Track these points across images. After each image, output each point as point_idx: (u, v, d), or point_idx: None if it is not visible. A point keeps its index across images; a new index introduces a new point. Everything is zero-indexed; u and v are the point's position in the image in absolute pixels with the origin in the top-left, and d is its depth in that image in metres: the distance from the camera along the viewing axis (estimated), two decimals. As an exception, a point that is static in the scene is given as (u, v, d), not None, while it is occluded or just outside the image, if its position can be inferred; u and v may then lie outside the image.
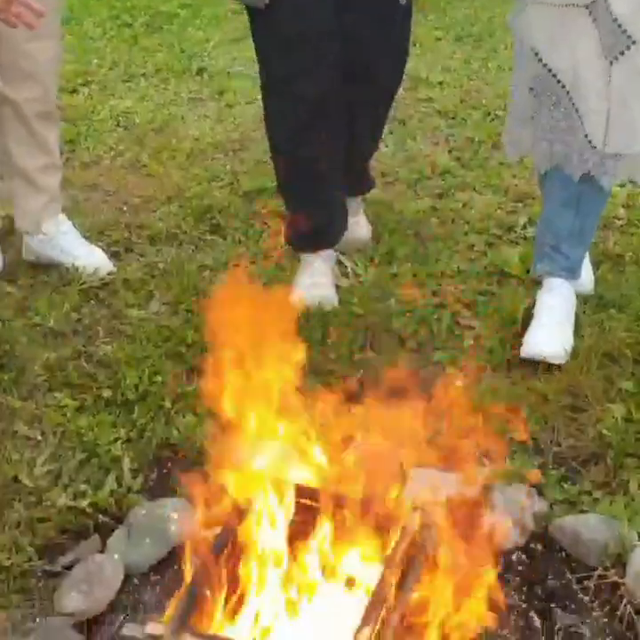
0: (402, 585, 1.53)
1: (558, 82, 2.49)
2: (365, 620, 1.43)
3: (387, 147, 3.95)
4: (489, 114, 4.12)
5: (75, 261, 3.07)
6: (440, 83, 4.43)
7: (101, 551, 2.10)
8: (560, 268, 2.72)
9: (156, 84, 4.63)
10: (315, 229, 2.91)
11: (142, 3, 5.60)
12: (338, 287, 3.02)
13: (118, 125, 4.21)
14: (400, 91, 4.23)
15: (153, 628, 1.44)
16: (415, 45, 4.84)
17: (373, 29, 2.78)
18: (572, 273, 2.74)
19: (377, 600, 1.47)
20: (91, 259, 3.10)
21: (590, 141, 2.49)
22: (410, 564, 1.56)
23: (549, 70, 2.50)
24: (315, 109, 2.76)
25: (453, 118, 4.13)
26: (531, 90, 2.57)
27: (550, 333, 2.62)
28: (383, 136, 3.96)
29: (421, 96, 4.32)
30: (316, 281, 2.97)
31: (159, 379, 2.60)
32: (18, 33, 2.47)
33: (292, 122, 2.80)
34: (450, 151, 3.87)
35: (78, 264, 3.07)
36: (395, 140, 3.98)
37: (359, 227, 3.29)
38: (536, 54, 2.51)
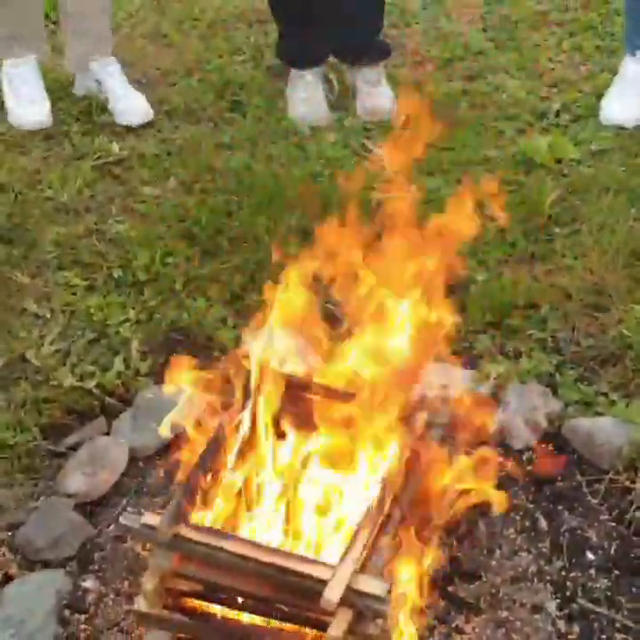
0: (405, 485, 1.50)
1: None
2: (364, 522, 1.40)
3: (418, 24, 3.76)
4: (528, -10, 3.89)
5: (118, 103, 3.12)
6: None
7: (107, 433, 2.09)
8: None
9: (180, -51, 4.41)
10: (304, 44, 3.14)
11: None
12: (329, 102, 3.22)
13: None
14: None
15: (149, 518, 1.42)
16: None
17: None
18: None
19: (380, 497, 1.43)
20: (133, 103, 3.13)
21: None
22: (412, 464, 1.52)
23: None
24: None
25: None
26: None
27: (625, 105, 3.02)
28: (416, 11, 3.81)
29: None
30: (308, 96, 3.19)
31: (171, 260, 2.54)
32: None
33: None
34: (484, 30, 3.68)
35: (121, 106, 3.11)
36: (427, 17, 3.79)
37: (381, 96, 3.21)
38: None
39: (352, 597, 1.31)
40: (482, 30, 3.68)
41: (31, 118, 3.03)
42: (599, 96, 3.17)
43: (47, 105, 3.06)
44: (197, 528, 1.42)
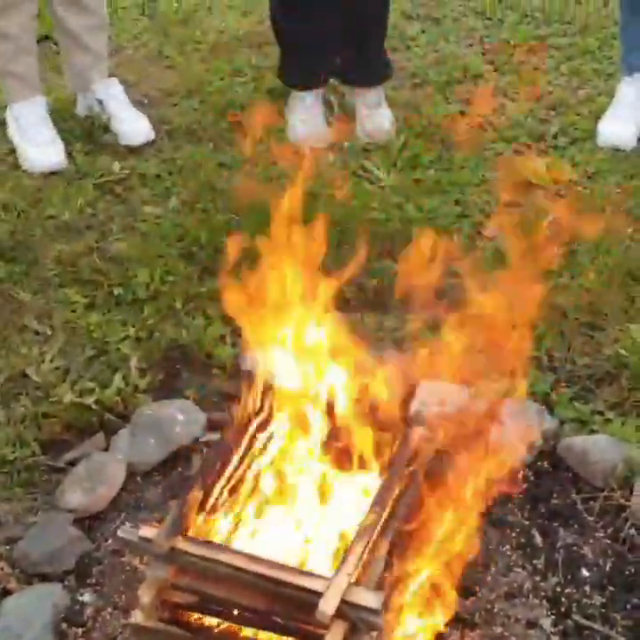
0: (400, 497, 1.51)
1: None
2: (359, 535, 1.41)
3: (418, 47, 3.80)
4: (526, 16, 3.94)
5: (120, 124, 3.15)
6: (478, -20, 4.23)
7: (106, 449, 2.10)
8: None
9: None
10: (305, 67, 3.15)
11: None
12: (329, 123, 3.24)
13: (143, 14, 4.08)
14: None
15: (146, 531, 1.43)
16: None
17: None
18: None
19: (376, 507, 1.44)
20: (135, 124, 3.16)
21: None
22: (410, 477, 1.53)
23: None
24: None
25: (490, 19, 3.95)
26: None
27: (622, 127, 3.08)
28: (416, 35, 3.85)
29: (458, -6, 4.13)
30: (307, 117, 3.22)
31: (171, 278, 2.57)
32: None
33: None
34: (483, 54, 3.72)
35: (123, 127, 3.14)
36: (426, 41, 3.83)
37: (382, 118, 3.24)
38: None
39: (346, 610, 1.32)
40: (481, 54, 3.73)
41: (46, 162, 2.99)
42: (597, 119, 3.20)
43: (61, 146, 3.03)
44: (194, 540, 1.43)
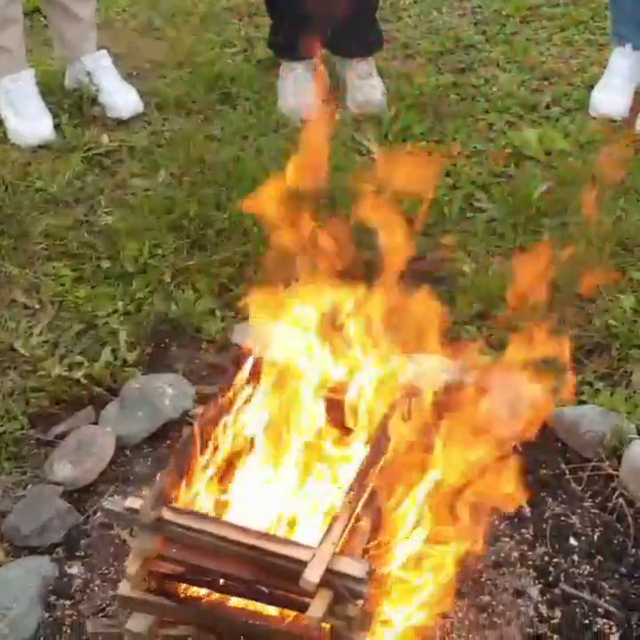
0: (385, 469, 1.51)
1: None
2: (344, 504, 1.41)
3: (410, 17, 3.77)
4: (519, -15, 3.90)
5: (108, 96, 3.13)
6: (471, -51, 4.19)
7: (95, 423, 2.09)
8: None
9: None
10: (296, 37, 3.00)
11: None
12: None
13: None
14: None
15: (132, 501, 1.43)
16: None
17: None
18: None
19: (360, 479, 1.44)
20: (124, 96, 3.14)
21: None
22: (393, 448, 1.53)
23: None
24: None
25: (483, 0, 3.92)
26: None
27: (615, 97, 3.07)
28: (408, 5, 3.81)
29: (450, -36, 4.09)
30: (299, 88, 3.18)
31: (160, 252, 2.55)
32: None
33: None
34: (475, 24, 3.69)
35: (112, 100, 3.12)
36: (418, 11, 3.80)
37: (373, 89, 3.22)
38: None
39: (332, 578, 1.32)
40: (473, 24, 3.70)
41: (36, 135, 2.98)
42: (589, 89, 3.18)
43: (49, 120, 3.01)
44: (180, 511, 1.43)
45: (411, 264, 2.25)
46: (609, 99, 3.07)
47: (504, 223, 2.66)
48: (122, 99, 3.12)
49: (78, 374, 2.18)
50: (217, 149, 2.98)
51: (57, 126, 3.04)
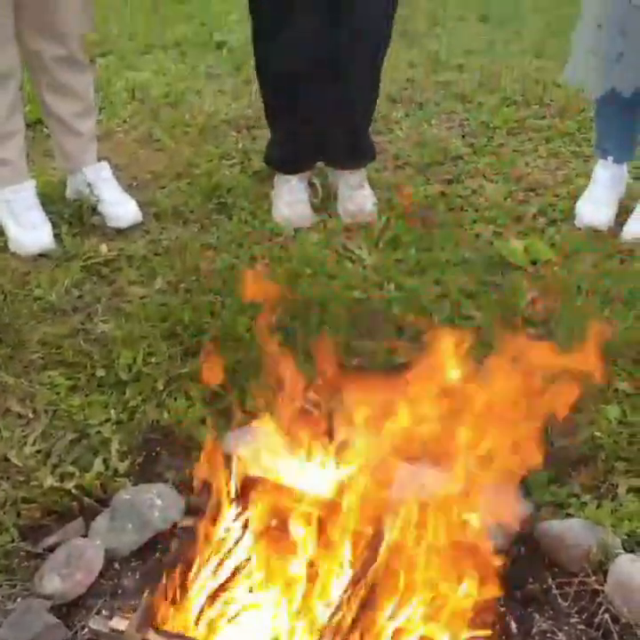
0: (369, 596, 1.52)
1: None
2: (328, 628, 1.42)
3: (401, 130, 3.91)
4: (507, 99, 4.06)
5: (108, 207, 3.22)
6: (460, 65, 4.37)
7: (85, 534, 2.10)
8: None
9: (175, 57, 4.60)
10: (293, 151, 3.29)
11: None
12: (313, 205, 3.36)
13: (133, 98, 4.19)
14: (419, 73, 4.21)
15: (117, 622, 1.44)
16: (437, 25, 4.80)
17: None
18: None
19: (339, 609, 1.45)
20: (123, 207, 3.24)
21: None
22: (380, 572, 1.55)
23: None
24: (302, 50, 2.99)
25: (470, 102, 4.07)
26: (599, 26, 2.90)
27: (599, 208, 3.18)
28: (399, 118, 3.95)
29: (440, 79, 4.26)
30: (292, 199, 3.31)
31: (153, 359, 2.60)
32: None
33: (280, 48, 3.02)
34: (463, 136, 3.82)
35: (111, 210, 3.22)
36: (409, 124, 3.94)
37: (364, 199, 3.31)
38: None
39: None
40: (461, 136, 3.83)
41: (36, 244, 3.05)
42: (575, 200, 3.28)
43: (49, 228, 3.10)
44: (165, 633, 1.44)
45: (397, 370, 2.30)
46: (593, 210, 3.16)
47: (491, 332, 2.71)
48: (121, 209, 3.21)
49: (70, 485, 2.20)
50: (212, 258, 3.06)
51: (57, 235, 3.12)
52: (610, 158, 3.19)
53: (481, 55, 4.50)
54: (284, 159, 3.35)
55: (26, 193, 3.10)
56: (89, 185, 3.22)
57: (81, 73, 3.11)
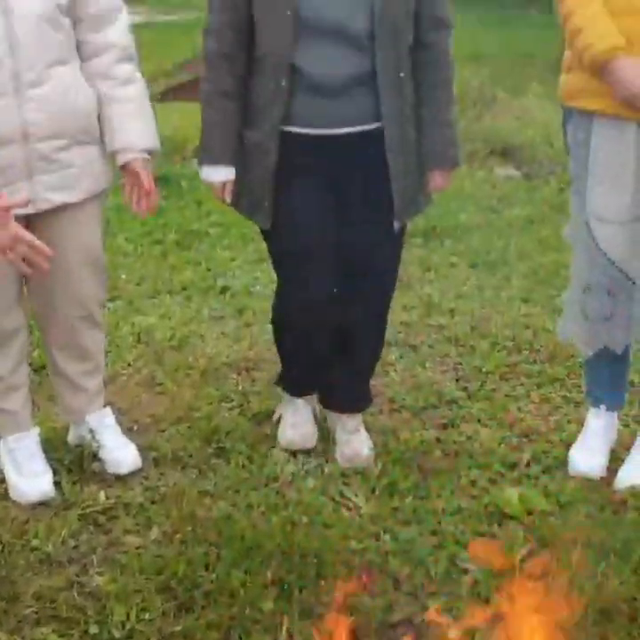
0: None
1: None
2: None
3: (396, 372, 4.03)
4: (498, 343, 4.21)
5: (109, 453, 3.26)
6: (452, 310, 4.56)
7: None
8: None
9: (180, 302, 4.81)
10: (303, 381, 3.49)
11: (175, 220, 5.90)
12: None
13: (139, 341, 4.35)
14: (413, 316, 4.40)
15: None
16: (430, 271, 5.06)
17: (365, 246, 3.13)
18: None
19: None
20: (123, 453, 3.28)
21: None
22: None
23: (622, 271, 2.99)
24: (314, 313, 3.20)
25: (463, 346, 4.22)
26: (587, 289, 3.07)
27: (592, 456, 3.24)
28: (394, 361, 4.09)
29: (433, 322, 4.44)
30: (297, 420, 3.44)
31: (147, 616, 2.58)
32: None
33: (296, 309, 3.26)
34: (457, 380, 3.94)
35: (112, 456, 3.26)
36: (404, 366, 4.07)
37: (360, 444, 3.38)
38: (612, 262, 2.98)
39: None
40: (455, 380, 3.95)
41: (36, 491, 3.08)
42: (568, 446, 3.34)
43: (50, 476, 3.14)
44: None
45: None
46: (586, 459, 3.22)
47: (488, 585, 2.70)
48: (121, 455, 3.27)
49: None
50: (209, 505, 3.09)
51: (57, 483, 3.17)
52: (602, 406, 3.28)
53: (472, 300, 4.70)
54: (290, 381, 3.50)
55: (29, 441, 3.17)
56: (91, 431, 3.30)
57: (96, 332, 3.22)
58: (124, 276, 5.03)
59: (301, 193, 3.04)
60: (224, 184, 3.11)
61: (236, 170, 3.10)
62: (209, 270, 5.20)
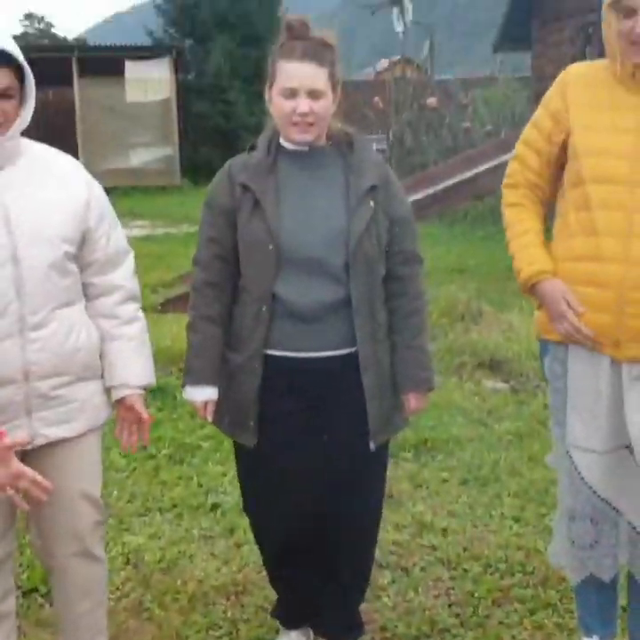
0: None
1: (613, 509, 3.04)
2: None
3: (388, 597, 3.97)
4: (490, 566, 4.17)
5: None
6: (444, 529, 4.54)
7: None
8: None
9: (171, 520, 4.78)
10: (293, 607, 3.52)
11: (168, 434, 5.94)
12: None
13: (128, 563, 4.29)
14: (405, 535, 4.38)
15: None
16: (421, 487, 5.06)
17: (347, 465, 3.19)
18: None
19: None
20: None
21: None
22: None
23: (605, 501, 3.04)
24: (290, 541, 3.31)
25: (455, 569, 4.18)
26: (572, 518, 3.10)
27: None
28: (386, 585, 4.04)
29: (425, 543, 4.40)
30: None
31: None
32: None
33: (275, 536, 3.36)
34: (450, 606, 3.88)
35: None
36: (396, 591, 4.01)
37: None
38: (594, 492, 3.03)
39: None
40: (448, 605, 3.88)
41: None
42: (562, 677, 3.27)
43: None
44: None
45: None
46: None
47: None
48: None
49: None
50: None
51: None
52: (595, 636, 3.23)
53: (464, 518, 4.68)
54: (282, 613, 3.50)
55: None
56: None
57: (96, 566, 3.11)
58: (115, 493, 5.02)
59: (284, 413, 3.15)
60: (206, 403, 3.21)
61: (219, 390, 3.21)
62: (200, 486, 5.20)
